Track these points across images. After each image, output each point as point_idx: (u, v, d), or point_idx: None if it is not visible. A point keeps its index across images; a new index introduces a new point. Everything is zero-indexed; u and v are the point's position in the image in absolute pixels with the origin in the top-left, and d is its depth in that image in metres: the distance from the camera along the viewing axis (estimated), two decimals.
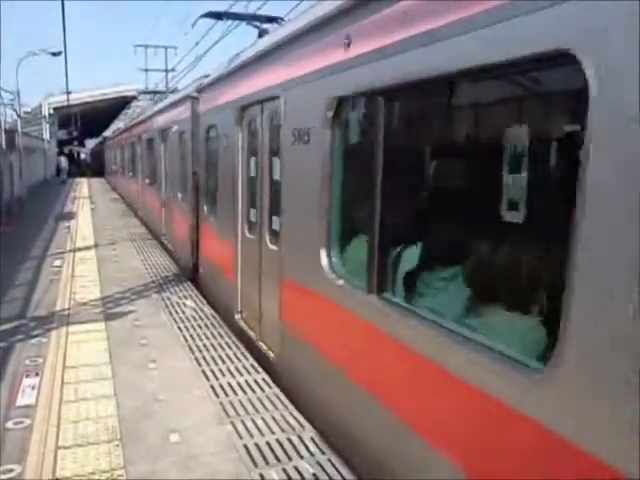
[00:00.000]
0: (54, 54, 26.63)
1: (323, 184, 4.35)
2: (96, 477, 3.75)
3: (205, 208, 8.82)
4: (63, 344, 6.29)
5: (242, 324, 6.82)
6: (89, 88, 39.55)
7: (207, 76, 9.12)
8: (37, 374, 5.45)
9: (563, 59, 2.15)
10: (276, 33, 5.88)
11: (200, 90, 9.07)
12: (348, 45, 3.93)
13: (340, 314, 4.16)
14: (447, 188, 3.67)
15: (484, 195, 3.30)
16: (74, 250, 12.29)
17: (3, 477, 3.75)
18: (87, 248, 12.59)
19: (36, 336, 6.54)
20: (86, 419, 4.56)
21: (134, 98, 38.21)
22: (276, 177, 5.55)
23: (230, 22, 10.45)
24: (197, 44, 50.12)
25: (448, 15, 2.78)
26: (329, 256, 4.33)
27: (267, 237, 5.89)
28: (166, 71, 33.79)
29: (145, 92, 28.38)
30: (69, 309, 7.67)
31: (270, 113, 5.78)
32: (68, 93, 30.51)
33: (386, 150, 3.63)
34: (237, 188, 6.80)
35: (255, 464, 3.94)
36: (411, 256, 3.69)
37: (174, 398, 4.98)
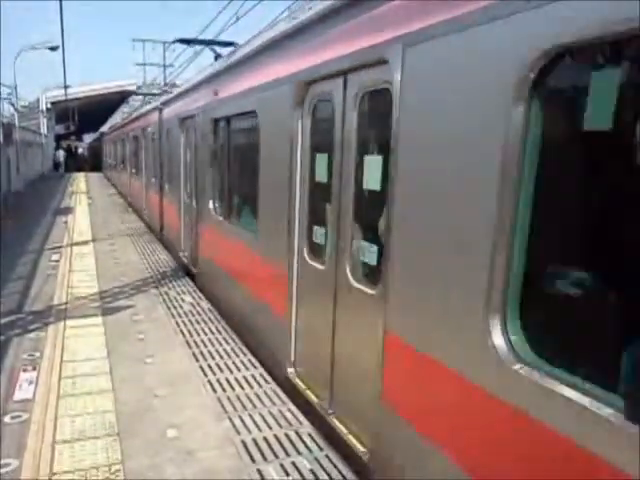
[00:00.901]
0: (52, 48, 26.47)
1: (210, 165, 8.09)
2: (94, 472, 3.76)
3: (166, 187, 12.53)
4: (61, 338, 6.28)
5: (183, 259, 10.45)
6: (87, 82, 39.37)
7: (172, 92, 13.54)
8: (35, 368, 5.44)
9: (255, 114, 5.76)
10: (194, 78, 10.27)
11: (164, 103, 12.94)
12: (216, 94, 7.64)
13: (218, 235, 7.67)
14: (244, 170, 7.03)
15: (250, 174, 6.06)
16: (71, 244, 12.27)
17: (0, 471, 3.74)
18: (85, 242, 12.56)
19: (34, 330, 6.53)
20: (84, 414, 4.56)
21: (132, 93, 38.08)
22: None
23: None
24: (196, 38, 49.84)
25: (239, 87, 6.44)
26: (214, 204, 7.94)
27: (194, 200, 9.25)
28: (164, 66, 33.64)
29: (135, 93, 29.32)
30: (67, 303, 7.66)
31: (194, 124, 9.21)
32: (66, 87, 30.36)
33: (228, 148, 7.40)
34: (180, 171, 10.49)
35: (253, 460, 3.95)
36: (238, 200, 7.30)
37: (172, 393, 4.98)
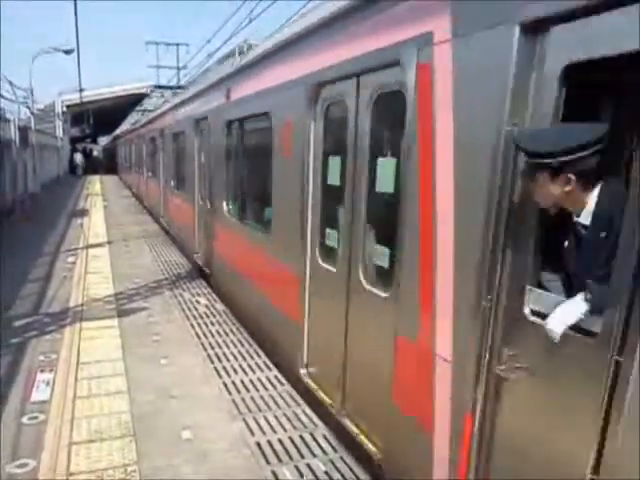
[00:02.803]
0: (66, 52, 26.72)
1: (171, 159, 13.32)
2: (110, 472, 3.78)
3: (150, 175, 18.81)
4: (77, 340, 6.34)
5: (163, 222, 15.23)
6: (102, 85, 39.67)
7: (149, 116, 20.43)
8: (51, 370, 5.50)
9: None
10: (154, 112, 18.45)
11: (148, 121, 19.60)
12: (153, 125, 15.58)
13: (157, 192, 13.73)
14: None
15: None
16: (87, 247, 12.39)
17: (18, 471, 3.79)
18: (100, 245, 12.68)
19: (50, 332, 6.59)
20: (99, 415, 4.59)
21: (146, 95, 38.37)
22: (167, 160, 14.47)
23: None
24: (209, 41, 50.34)
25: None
26: (175, 183, 11.26)
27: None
28: (177, 68, 33.87)
29: (137, 110, 32.59)
30: (83, 305, 7.73)
31: (166, 136, 13.97)
32: (81, 91, 30.65)
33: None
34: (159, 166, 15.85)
35: (267, 461, 3.95)
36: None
37: (187, 395, 5.00)
